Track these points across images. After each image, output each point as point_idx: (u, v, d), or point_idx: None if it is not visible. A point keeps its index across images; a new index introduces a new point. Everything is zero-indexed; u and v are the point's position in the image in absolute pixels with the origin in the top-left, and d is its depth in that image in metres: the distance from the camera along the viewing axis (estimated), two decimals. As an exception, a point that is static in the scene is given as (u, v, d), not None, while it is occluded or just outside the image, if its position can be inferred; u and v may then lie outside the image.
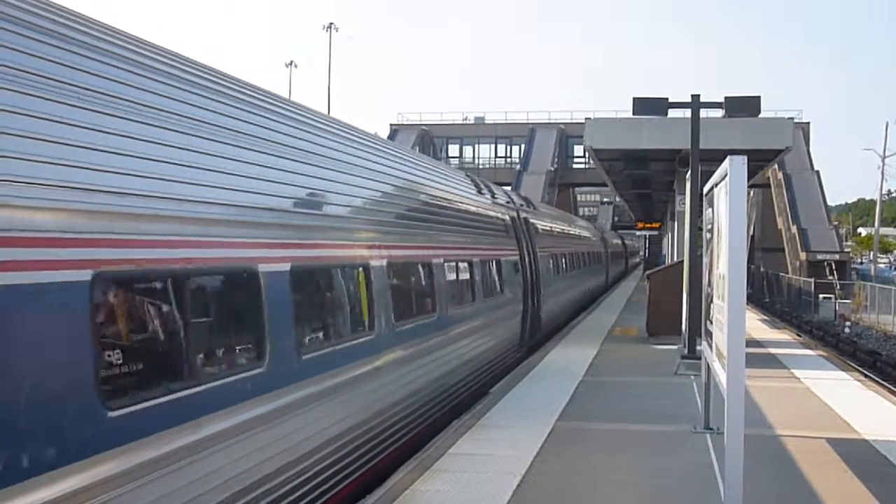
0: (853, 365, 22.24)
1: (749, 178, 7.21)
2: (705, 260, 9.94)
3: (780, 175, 61.40)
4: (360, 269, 8.79)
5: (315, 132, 8.58)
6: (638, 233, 77.58)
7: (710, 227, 9.24)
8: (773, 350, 18.69)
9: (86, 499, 4.41)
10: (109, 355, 4.84)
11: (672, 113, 17.44)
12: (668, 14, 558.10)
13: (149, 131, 5.48)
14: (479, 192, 16.26)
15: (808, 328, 37.81)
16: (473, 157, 76.35)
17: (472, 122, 79.49)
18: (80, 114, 4.87)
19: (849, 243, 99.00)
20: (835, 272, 52.12)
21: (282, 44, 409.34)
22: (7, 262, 4.12)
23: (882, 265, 79.85)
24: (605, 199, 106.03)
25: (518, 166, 71.99)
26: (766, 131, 20.84)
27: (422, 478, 8.12)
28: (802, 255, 55.40)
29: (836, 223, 71.40)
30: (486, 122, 78.95)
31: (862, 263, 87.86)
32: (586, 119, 23.45)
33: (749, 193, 44.57)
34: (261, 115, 7.39)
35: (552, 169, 70.67)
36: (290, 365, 6.88)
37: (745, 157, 6.59)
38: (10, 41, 4.57)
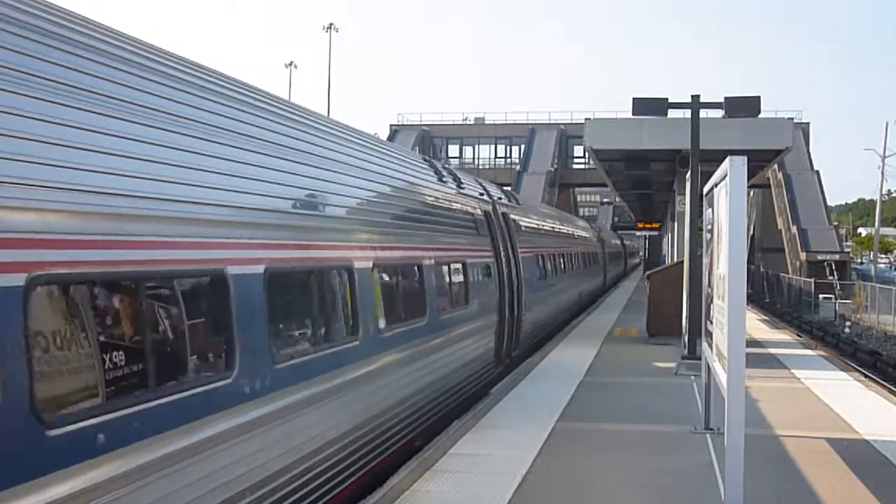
0: (853, 365, 22.21)
1: (749, 178, 7.22)
2: (705, 260, 9.94)
3: (780, 175, 61.39)
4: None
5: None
6: (638, 233, 77.53)
7: (710, 227, 9.24)
8: (773, 350, 18.69)
9: None
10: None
11: (672, 113, 17.43)
12: (668, 13, 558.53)
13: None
14: (441, 179, 13.42)
15: (808, 328, 37.79)
16: (473, 158, 76.37)
17: (472, 122, 79.48)
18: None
19: (849, 243, 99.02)
20: (835, 272, 52.11)
21: (282, 44, 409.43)
22: None
23: (882, 265, 79.87)
24: (605, 200, 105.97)
25: (518, 167, 72.02)
26: (766, 131, 20.83)
27: (422, 478, 8.12)
28: (802, 256, 55.40)
29: (836, 223, 71.41)
30: (486, 122, 78.96)
31: (862, 263, 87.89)
32: (586, 119, 23.44)
33: (749, 193, 44.60)
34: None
35: (552, 169, 70.68)
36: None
37: (745, 158, 6.60)
38: None
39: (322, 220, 8.24)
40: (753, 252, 62.76)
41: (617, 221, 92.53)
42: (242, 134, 6.84)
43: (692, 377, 13.53)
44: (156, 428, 5.01)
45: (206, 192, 5.95)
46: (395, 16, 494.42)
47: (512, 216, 18.14)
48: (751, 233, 63.21)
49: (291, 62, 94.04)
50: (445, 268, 12.19)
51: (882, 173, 69.70)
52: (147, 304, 5.22)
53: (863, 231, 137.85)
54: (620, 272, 58.53)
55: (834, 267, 53.20)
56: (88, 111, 4.97)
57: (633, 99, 16.40)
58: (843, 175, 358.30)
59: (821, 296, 43.99)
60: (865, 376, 17.79)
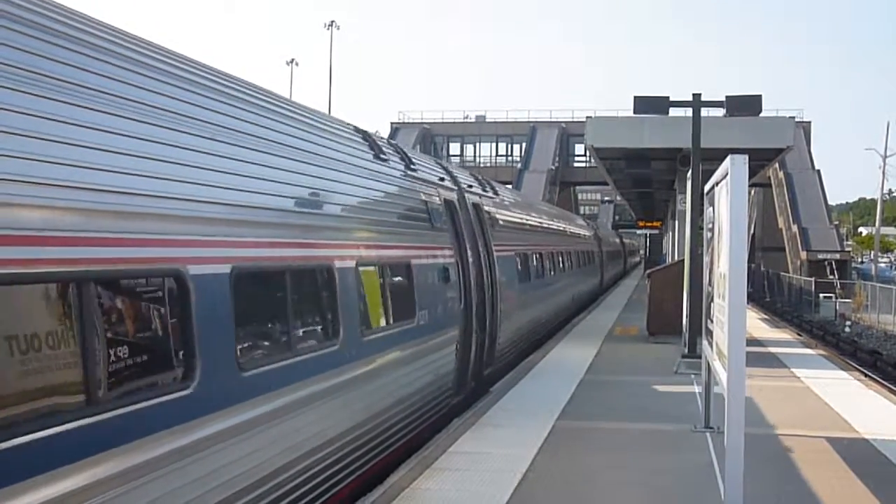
0: (853, 364, 22.21)
1: (750, 177, 7.20)
2: (706, 259, 9.93)
3: (781, 174, 61.39)
4: None
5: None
6: (639, 231, 77.52)
7: (710, 225, 9.23)
8: (773, 349, 18.68)
9: None
10: None
11: (673, 112, 17.43)
12: (668, 13, 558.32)
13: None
14: (378, 157, 10.25)
15: (808, 327, 37.77)
16: (474, 156, 76.40)
17: (473, 120, 79.50)
18: None
19: (849, 243, 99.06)
20: (835, 271, 52.12)
21: (283, 42, 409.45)
22: None
23: (882, 264, 79.86)
24: (606, 198, 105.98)
25: (519, 165, 72.01)
26: (767, 130, 20.83)
27: (422, 476, 8.12)
28: (803, 255, 55.41)
29: (836, 222, 71.39)
30: (488, 120, 78.97)
31: (862, 263, 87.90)
32: (587, 118, 23.44)
33: (750, 192, 44.63)
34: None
35: (553, 167, 70.69)
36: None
37: (747, 156, 6.59)
38: None
39: None
40: (754, 251, 62.78)
41: (618, 220, 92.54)
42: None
43: (692, 376, 13.53)
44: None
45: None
46: (396, 13, 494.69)
47: (487, 208, 15.44)
48: (751, 232, 63.23)
49: (292, 60, 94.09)
50: (372, 272, 9.04)
51: (883, 173, 69.70)
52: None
53: (863, 230, 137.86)
54: (619, 272, 56.57)
55: (834, 266, 53.19)
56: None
57: (635, 97, 16.40)
58: (844, 174, 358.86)
59: (821, 295, 43.98)
60: (865, 375, 17.80)
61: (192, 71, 6.63)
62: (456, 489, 7.75)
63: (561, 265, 24.76)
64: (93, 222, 4.72)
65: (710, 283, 9.25)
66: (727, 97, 16.34)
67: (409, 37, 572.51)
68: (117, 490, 4.57)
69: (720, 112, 17.69)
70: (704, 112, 17.03)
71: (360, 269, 8.47)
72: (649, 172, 26.53)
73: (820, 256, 54.41)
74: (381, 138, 12.09)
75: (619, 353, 17.73)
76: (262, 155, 6.96)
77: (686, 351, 15.53)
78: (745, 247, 6.76)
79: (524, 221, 20.23)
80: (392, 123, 76.48)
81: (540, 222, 23.29)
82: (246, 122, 7.00)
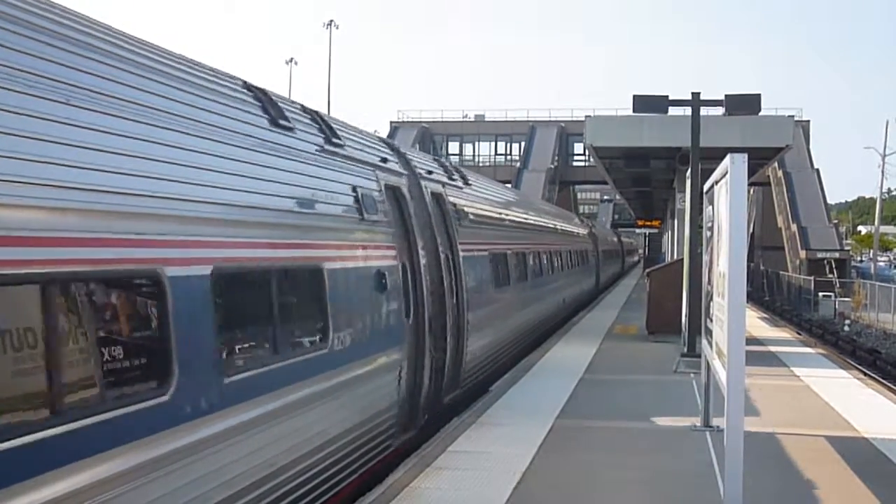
0: (853, 363, 22.24)
1: (749, 176, 7.21)
2: (705, 258, 9.93)
3: (780, 173, 61.36)
4: None
5: None
6: (638, 230, 77.51)
7: (710, 224, 9.23)
8: (772, 348, 18.69)
9: None
10: None
11: (672, 111, 17.44)
12: (668, 12, 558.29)
13: None
14: (277, 123, 7.61)
15: (807, 326, 37.78)
16: (474, 155, 76.35)
17: (472, 119, 79.49)
18: None
19: (849, 241, 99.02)
20: (835, 270, 52.09)
21: (282, 41, 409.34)
22: None
23: (882, 263, 79.82)
24: (605, 197, 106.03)
25: (518, 164, 71.98)
26: (767, 129, 20.84)
27: (422, 475, 8.12)
28: (802, 254, 55.38)
29: (836, 221, 71.37)
30: (487, 119, 78.95)
31: (862, 262, 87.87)
32: (586, 117, 23.44)
33: (749, 191, 44.57)
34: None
35: (552, 167, 70.63)
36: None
37: (746, 155, 6.59)
38: None
39: None
40: (753, 250, 62.73)
41: (617, 219, 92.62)
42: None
43: (692, 375, 13.53)
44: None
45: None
46: (396, 13, 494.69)
47: (454, 200, 12.94)
48: (751, 231, 63.15)
49: (292, 59, 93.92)
50: (246, 281, 6.56)
51: (882, 171, 69.55)
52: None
53: (863, 229, 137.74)
54: (617, 271, 55.18)
55: (834, 265, 53.17)
56: None
57: (634, 96, 16.41)
58: (843, 173, 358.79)
59: (820, 294, 43.99)
60: (865, 374, 17.82)
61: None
62: (455, 488, 7.75)
63: (550, 266, 22.61)
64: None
65: (709, 282, 9.25)
66: (726, 96, 16.36)
67: (409, 36, 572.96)
68: None
69: (719, 111, 17.71)
70: (704, 111, 17.04)
71: (216, 278, 5.73)
72: (648, 171, 26.53)
73: (819, 255, 54.37)
74: (291, 101, 8.81)
75: (619, 351, 17.73)
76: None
77: (685, 350, 15.54)
78: (745, 246, 6.76)
79: (505, 217, 17.87)
80: (391, 122, 76.46)
81: (525, 218, 20.82)
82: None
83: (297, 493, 6.87)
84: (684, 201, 17.87)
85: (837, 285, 46.95)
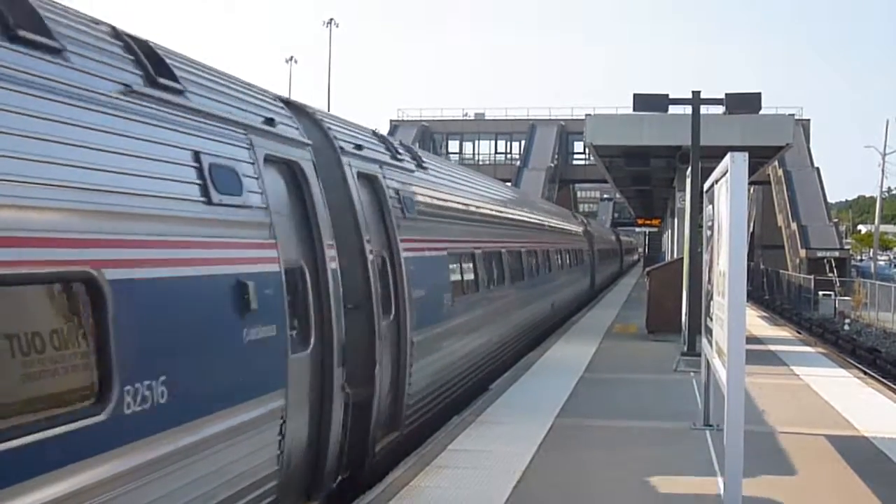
0: (853, 362, 22.25)
1: (749, 174, 7.20)
2: (705, 257, 9.94)
3: (781, 172, 61.39)
4: None
5: None
6: (638, 229, 77.55)
7: (710, 223, 9.23)
8: (772, 347, 18.70)
9: None
10: None
11: (672, 109, 17.45)
12: (668, 10, 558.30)
13: None
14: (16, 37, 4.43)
15: (807, 325, 37.80)
16: (473, 153, 76.39)
17: (472, 117, 79.49)
18: None
19: (849, 240, 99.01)
20: (835, 269, 52.16)
21: (282, 40, 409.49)
22: None
23: (882, 262, 79.88)
24: (605, 196, 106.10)
25: (518, 162, 71.99)
26: (767, 128, 20.86)
27: (421, 473, 8.11)
28: (802, 253, 55.40)
29: (836, 220, 71.38)
30: (487, 118, 78.96)
31: (862, 261, 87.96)
32: (587, 115, 23.43)
33: (749, 190, 44.54)
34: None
35: (552, 165, 70.64)
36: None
37: (746, 154, 6.59)
38: None
39: None
40: (753, 249, 62.74)
41: (617, 218, 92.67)
42: None
43: (692, 373, 13.53)
44: None
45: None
46: (395, 12, 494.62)
47: (397, 184, 10.16)
48: (751, 230, 63.17)
49: (291, 57, 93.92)
50: None
51: (882, 170, 69.91)
52: None
53: (863, 228, 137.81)
54: (615, 271, 52.98)
55: (834, 264, 53.23)
56: None
57: (634, 95, 16.41)
58: (844, 172, 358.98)
59: (820, 293, 44.04)
60: (865, 373, 17.83)
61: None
62: (455, 487, 7.74)
63: (535, 267, 20.00)
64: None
65: (709, 281, 9.25)
66: (727, 95, 16.36)
67: (409, 35, 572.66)
68: None
69: (720, 109, 17.71)
70: (704, 109, 17.04)
71: None
72: (648, 170, 26.55)
73: (819, 254, 54.41)
74: (81, 15, 5.45)
75: (619, 350, 17.73)
76: None
77: (685, 349, 15.54)
78: (745, 244, 6.76)
79: (475, 210, 14.81)
80: (391, 121, 76.43)
81: (502, 212, 17.76)
82: None
83: None
84: (684, 200, 17.87)
85: (837, 284, 47.02)
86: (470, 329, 12.86)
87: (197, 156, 5.77)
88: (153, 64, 5.66)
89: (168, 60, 5.96)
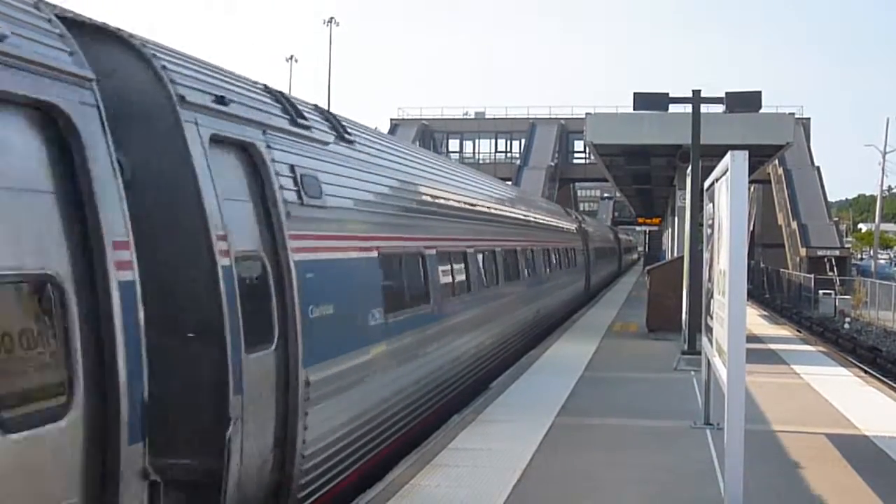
0: (853, 361, 22.24)
1: (749, 173, 7.19)
2: (706, 255, 9.93)
3: (781, 171, 61.39)
4: None
5: None
6: (638, 228, 77.54)
7: (710, 222, 9.23)
8: (773, 346, 18.70)
9: None
10: None
11: (673, 108, 17.48)
12: (668, 10, 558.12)
13: None
14: None
15: (808, 324, 37.79)
16: (474, 152, 76.41)
17: (472, 116, 79.49)
18: None
19: (849, 239, 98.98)
20: (835, 268, 52.13)
21: (282, 39, 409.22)
22: None
23: (882, 261, 79.88)
24: (605, 195, 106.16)
25: (518, 161, 71.99)
26: (767, 127, 20.88)
27: (422, 472, 8.11)
28: (803, 251, 55.39)
29: (836, 219, 71.37)
30: (487, 116, 78.96)
31: (862, 259, 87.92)
32: (587, 114, 23.43)
33: (749, 189, 44.57)
34: None
35: (552, 164, 70.63)
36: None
37: (747, 153, 6.59)
38: None
39: None
40: (753, 248, 62.74)
41: (618, 216, 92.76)
42: None
43: (692, 372, 13.54)
44: None
45: None
46: (395, 10, 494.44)
47: (293, 160, 7.48)
48: (751, 228, 63.17)
49: (292, 56, 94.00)
50: None
51: (882, 169, 69.86)
52: None
53: (863, 227, 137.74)
54: (613, 271, 49.91)
55: (834, 263, 53.21)
56: None
57: (634, 94, 16.42)
58: (844, 171, 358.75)
59: (821, 292, 44.05)
60: (865, 372, 17.83)
61: None
62: (455, 486, 7.74)
63: (513, 269, 17.47)
64: None
65: (709, 280, 9.24)
66: (727, 93, 16.36)
67: (409, 34, 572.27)
68: None
69: (720, 108, 17.72)
70: (704, 108, 17.06)
71: None
72: (649, 169, 26.60)
73: (819, 253, 54.40)
74: None
75: (619, 349, 17.72)
76: None
77: (685, 347, 15.55)
78: (745, 243, 6.75)
79: (426, 198, 11.91)
80: (391, 120, 76.42)
81: (470, 204, 14.63)
82: None
83: None
84: (685, 199, 17.87)
85: (838, 283, 47.02)
86: (411, 355, 10.01)
87: None
88: None
89: None
